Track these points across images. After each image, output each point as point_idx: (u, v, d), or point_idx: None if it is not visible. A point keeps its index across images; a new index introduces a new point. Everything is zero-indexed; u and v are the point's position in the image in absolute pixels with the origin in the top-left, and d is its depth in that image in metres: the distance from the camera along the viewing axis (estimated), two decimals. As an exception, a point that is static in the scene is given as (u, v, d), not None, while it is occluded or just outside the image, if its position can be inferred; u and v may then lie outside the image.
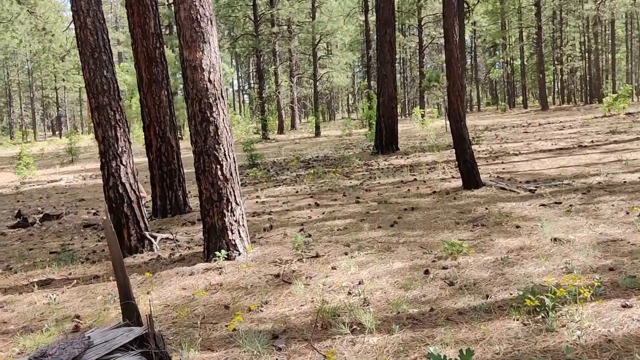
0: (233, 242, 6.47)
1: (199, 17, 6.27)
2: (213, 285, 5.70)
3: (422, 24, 28.10)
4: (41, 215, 10.62)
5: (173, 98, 9.98)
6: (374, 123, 17.56)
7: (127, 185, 7.32)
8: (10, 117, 65.67)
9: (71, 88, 61.32)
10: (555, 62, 42.48)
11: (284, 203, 10.22)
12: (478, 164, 10.52)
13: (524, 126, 23.29)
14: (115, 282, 5.56)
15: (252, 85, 37.36)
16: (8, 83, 65.24)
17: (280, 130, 34.45)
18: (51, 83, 60.63)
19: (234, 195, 6.50)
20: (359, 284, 5.25)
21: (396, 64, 16.33)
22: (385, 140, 16.89)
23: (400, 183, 11.29)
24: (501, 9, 36.44)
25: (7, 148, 42.63)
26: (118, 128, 7.28)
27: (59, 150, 33.43)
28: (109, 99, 7.25)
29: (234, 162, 6.58)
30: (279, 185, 12.79)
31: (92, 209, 11.85)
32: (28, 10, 35.01)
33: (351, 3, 32.25)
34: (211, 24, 6.38)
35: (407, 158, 15.67)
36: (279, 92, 34.17)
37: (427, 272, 5.40)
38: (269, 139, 29.95)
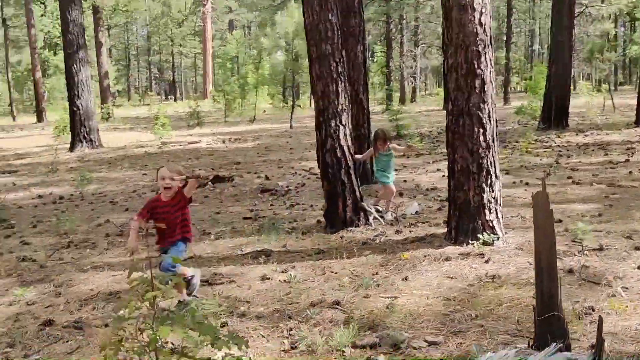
0: (490, 224, 5.33)
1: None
2: (486, 276, 4.59)
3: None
4: (211, 177, 10.03)
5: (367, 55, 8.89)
6: (542, 95, 15.75)
7: (345, 149, 6.35)
8: (128, 81, 68.37)
9: (187, 54, 62.61)
10: None
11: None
12: None
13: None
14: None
15: (374, 53, 35.89)
16: (127, 47, 67.80)
17: (402, 102, 32.92)
18: (168, 48, 62.13)
19: (495, 167, 5.34)
20: None
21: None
22: (555, 115, 15.11)
23: (609, 164, 9.70)
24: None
25: (127, 109, 43.87)
26: (339, 82, 6.30)
27: (179, 113, 33.63)
28: (332, 47, 6.26)
29: (496, 125, 5.41)
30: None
31: (256, 172, 11.17)
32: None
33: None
34: (484, -48, 5.17)
35: (585, 136, 13.88)
36: (403, 62, 32.61)
37: None
38: (392, 110, 28.51)
